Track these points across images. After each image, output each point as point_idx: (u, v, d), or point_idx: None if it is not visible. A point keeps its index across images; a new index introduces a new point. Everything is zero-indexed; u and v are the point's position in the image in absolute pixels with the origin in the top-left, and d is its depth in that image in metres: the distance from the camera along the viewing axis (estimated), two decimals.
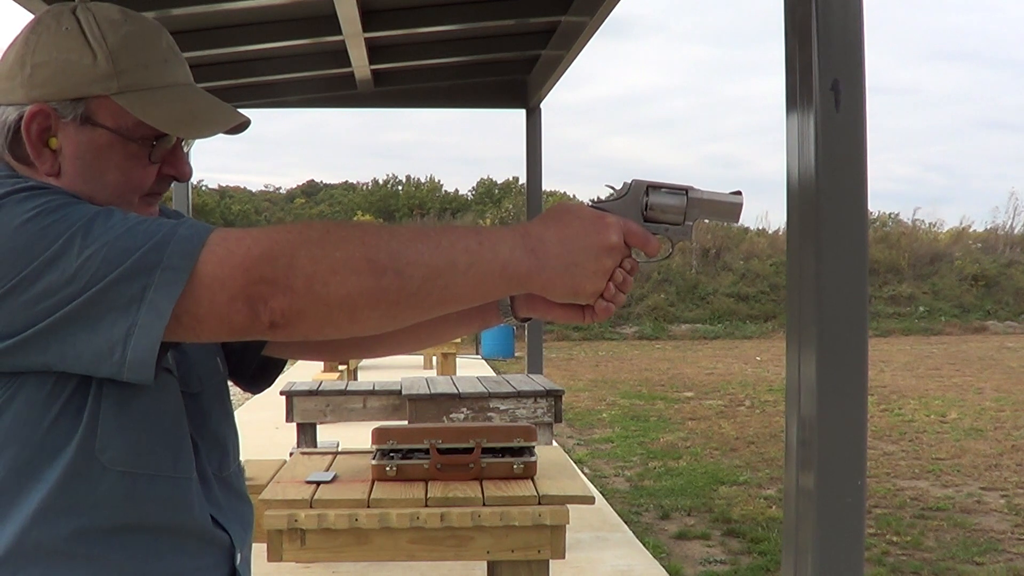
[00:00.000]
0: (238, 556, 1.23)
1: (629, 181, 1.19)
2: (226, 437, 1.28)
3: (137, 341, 0.98)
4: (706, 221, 1.23)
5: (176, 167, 1.20)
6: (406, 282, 1.01)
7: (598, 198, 1.20)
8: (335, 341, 1.29)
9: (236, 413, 1.34)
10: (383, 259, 1.01)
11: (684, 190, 1.20)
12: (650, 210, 1.18)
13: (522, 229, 1.09)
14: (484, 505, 2.94)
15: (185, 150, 1.21)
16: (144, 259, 0.98)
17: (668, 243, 1.20)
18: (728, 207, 1.21)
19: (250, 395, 9.40)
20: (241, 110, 1.21)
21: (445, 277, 1.03)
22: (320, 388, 6.00)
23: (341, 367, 9.66)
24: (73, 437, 1.06)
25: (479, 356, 16.89)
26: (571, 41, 5.43)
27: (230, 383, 1.36)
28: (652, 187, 1.19)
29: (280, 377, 1.47)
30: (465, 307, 1.10)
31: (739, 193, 1.21)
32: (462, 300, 1.07)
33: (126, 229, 1.00)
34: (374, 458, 3.16)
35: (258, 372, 1.41)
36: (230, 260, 0.99)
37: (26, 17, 1.19)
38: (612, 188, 1.19)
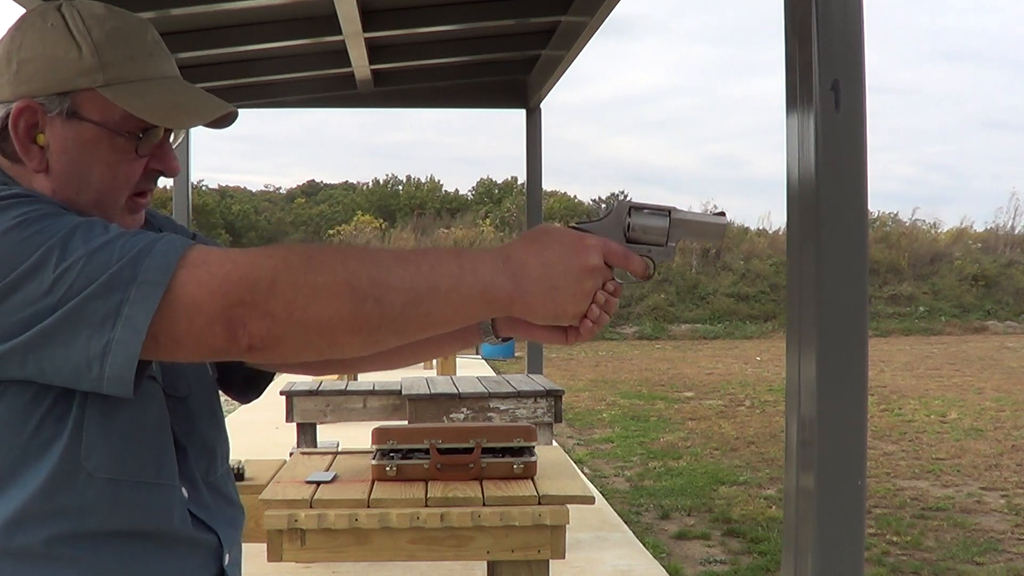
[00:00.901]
0: (226, 557, 1.22)
1: (613, 202, 1.19)
2: (214, 441, 1.27)
3: (114, 358, 0.97)
4: (692, 243, 1.22)
5: (163, 161, 1.19)
6: (387, 308, 1.01)
7: (587, 215, 1.19)
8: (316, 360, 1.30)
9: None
10: (364, 285, 1.00)
11: (667, 211, 1.19)
12: (632, 231, 1.18)
13: (503, 252, 1.09)
14: (484, 505, 2.94)
15: (175, 145, 1.21)
16: (119, 274, 0.97)
17: (651, 264, 1.18)
18: (712, 228, 1.20)
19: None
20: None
21: (426, 303, 1.03)
22: (320, 388, 6.00)
23: None
24: (57, 444, 1.06)
25: (479, 356, 16.88)
26: (571, 41, 5.43)
27: (221, 394, 1.36)
28: (634, 208, 1.18)
29: (280, 377, 1.47)
30: (446, 330, 1.09)
31: (723, 214, 1.21)
32: (443, 324, 1.07)
33: (104, 243, 0.99)
34: (374, 458, 3.16)
35: (246, 383, 1.40)
36: (209, 283, 0.98)
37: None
38: (601, 202, 1.19)
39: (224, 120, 1.20)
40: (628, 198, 1.20)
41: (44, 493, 1.06)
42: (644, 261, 1.16)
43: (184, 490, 1.18)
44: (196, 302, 0.98)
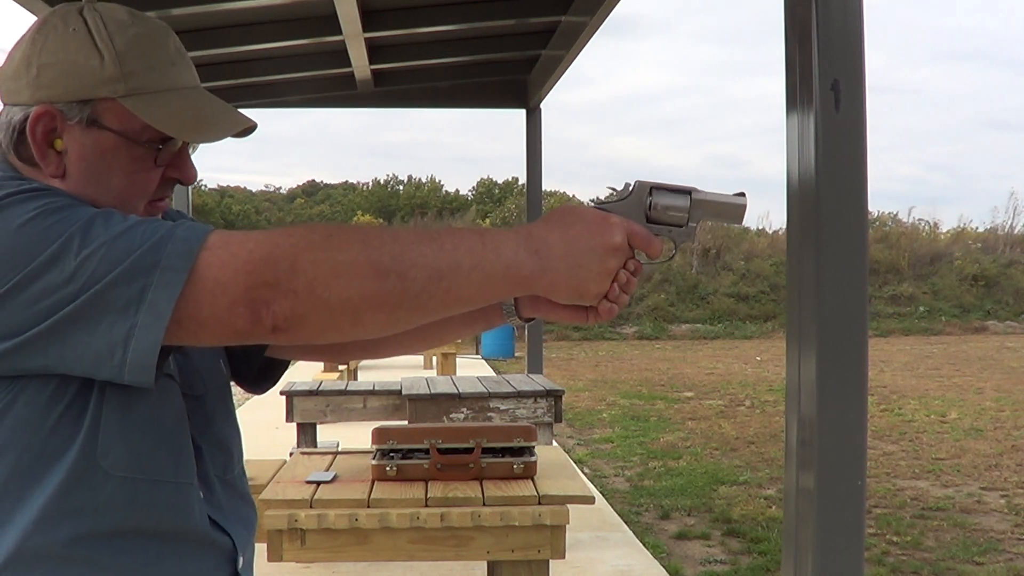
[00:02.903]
0: (240, 559, 1.22)
1: (632, 182, 1.19)
2: (230, 439, 1.28)
3: (137, 343, 0.97)
4: (710, 223, 1.22)
5: (181, 170, 1.19)
6: (409, 285, 1.01)
7: (598, 199, 1.19)
8: (338, 343, 1.29)
9: (236, 412, 1.34)
10: (386, 262, 1.00)
11: (688, 191, 1.19)
12: (653, 211, 1.18)
13: (525, 231, 1.09)
14: (484, 505, 2.94)
15: (192, 153, 1.21)
16: (142, 259, 0.98)
17: (671, 244, 1.19)
18: (732, 208, 1.20)
19: (251, 395, 9.40)
20: (242, 110, 1.20)
21: (448, 279, 1.03)
22: (320, 388, 6.00)
23: (341, 367, 9.65)
24: (75, 442, 1.06)
25: (479, 356, 16.88)
26: (571, 41, 5.43)
27: (233, 384, 1.36)
28: (656, 188, 1.18)
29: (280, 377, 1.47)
30: (469, 309, 1.09)
31: (743, 195, 1.20)
32: (466, 302, 1.06)
33: (124, 230, 1.00)
34: (374, 458, 3.16)
35: (261, 373, 1.40)
36: (232, 263, 0.98)
37: (27, 18, 1.18)
38: (613, 189, 1.19)
39: (243, 133, 1.19)
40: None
41: (61, 493, 1.06)
42: (662, 242, 1.17)
43: (199, 491, 1.18)
44: (219, 283, 0.98)
